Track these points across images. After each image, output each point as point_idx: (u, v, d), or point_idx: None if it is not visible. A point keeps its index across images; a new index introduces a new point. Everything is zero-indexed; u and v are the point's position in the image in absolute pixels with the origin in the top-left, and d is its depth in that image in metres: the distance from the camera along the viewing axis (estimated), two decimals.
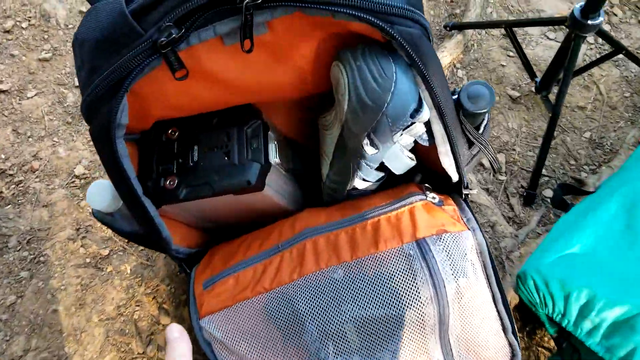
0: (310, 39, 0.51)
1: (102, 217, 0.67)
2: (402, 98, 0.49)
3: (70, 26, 1.10)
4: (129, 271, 0.90)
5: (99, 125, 0.47)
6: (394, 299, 0.53)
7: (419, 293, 0.53)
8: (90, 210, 0.64)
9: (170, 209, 0.59)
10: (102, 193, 0.62)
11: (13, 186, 0.97)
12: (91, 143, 1.01)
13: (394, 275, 0.54)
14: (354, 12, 0.44)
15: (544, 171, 0.95)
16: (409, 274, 0.54)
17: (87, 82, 0.47)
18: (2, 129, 1.01)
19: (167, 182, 0.57)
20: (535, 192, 0.93)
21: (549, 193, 0.95)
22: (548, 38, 1.10)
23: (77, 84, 1.06)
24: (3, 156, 0.99)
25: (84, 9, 1.13)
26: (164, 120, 0.59)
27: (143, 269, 0.90)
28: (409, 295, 0.53)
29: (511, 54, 1.09)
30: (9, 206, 0.96)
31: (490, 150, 0.57)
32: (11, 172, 0.98)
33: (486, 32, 1.11)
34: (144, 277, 0.89)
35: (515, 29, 0.99)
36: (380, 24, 0.45)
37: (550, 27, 1.10)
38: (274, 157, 0.60)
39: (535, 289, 0.69)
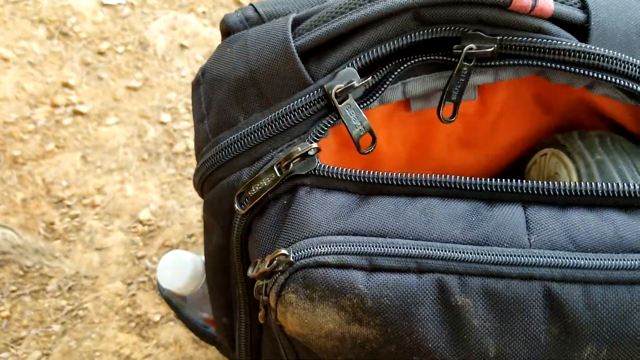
0: (525, 117, 0.36)
1: (169, 297, 0.52)
2: None
3: (167, 58, 1.01)
4: (177, 349, 0.74)
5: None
6: None
7: None
8: (156, 277, 0.50)
9: None
10: (177, 269, 0.47)
11: (67, 219, 0.85)
12: (164, 186, 0.88)
13: None
14: (626, 83, 0.29)
15: None
16: None
17: (207, 137, 0.32)
18: (71, 154, 0.90)
19: None
20: None
21: None
22: None
23: (161, 119, 0.94)
24: (65, 183, 0.88)
25: (187, 44, 1.02)
26: None
27: (195, 350, 0.74)
28: None
29: None
30: (58, 241, 0.83)
31: None
32: (69, 203, 0.86)
33: None
34: None
35: None
36: None
37: None
38: None
39: None
